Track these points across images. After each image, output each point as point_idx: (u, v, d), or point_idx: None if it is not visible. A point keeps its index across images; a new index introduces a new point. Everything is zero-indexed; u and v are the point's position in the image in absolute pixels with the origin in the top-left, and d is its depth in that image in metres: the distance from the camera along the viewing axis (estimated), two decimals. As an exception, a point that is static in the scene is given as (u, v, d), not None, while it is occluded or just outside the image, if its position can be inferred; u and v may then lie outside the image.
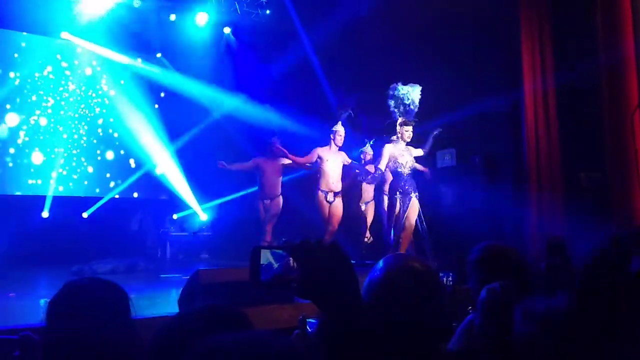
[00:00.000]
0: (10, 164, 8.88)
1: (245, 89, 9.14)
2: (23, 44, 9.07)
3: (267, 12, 9.31)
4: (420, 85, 6.12)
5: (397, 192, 6.12)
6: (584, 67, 5.60)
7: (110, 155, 9.81)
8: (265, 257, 1.11)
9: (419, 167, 6.97)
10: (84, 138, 9.58)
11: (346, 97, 6.89)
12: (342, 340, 1.02)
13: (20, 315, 4.32)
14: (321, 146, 6.83)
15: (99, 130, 9.73)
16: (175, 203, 9.69)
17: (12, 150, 8.87)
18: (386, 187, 6.87)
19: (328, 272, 1.06)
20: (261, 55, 9.20)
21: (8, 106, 8.84)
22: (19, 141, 8.94)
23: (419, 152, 6.37)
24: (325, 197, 6.75)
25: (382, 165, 6.18)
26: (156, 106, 9.82)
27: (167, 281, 6.63)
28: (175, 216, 9.74)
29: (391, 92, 6.13)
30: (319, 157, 6.76)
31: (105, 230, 9.04)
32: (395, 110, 6.12)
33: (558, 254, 3.53)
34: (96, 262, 7.01)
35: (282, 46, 8.80)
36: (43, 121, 9.15)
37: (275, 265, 1.20)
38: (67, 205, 9.07)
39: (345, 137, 6.73)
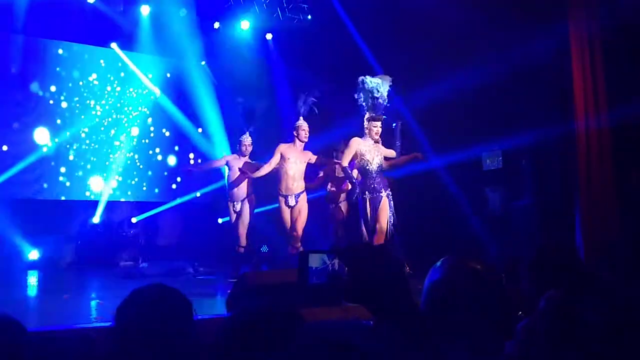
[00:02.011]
0: (68, 184, 9.07)
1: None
2: (60, 51, 9.10)
3: (309, 17, 9.36)
4: (390, 77, 5.81)
5: (366, 192, 5.78)
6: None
7: (164, 155, 9.94)
8: (320, 260, 1.12)
9: (387, 161, 6.33)
10: (135, 140, 9.70)
11: (309, 89, 6.55)
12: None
13: (75, 316, 4.47)
14: (286, 142, 6.48)
15: (151, 129, 9.86)
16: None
17: (63, 169, 9.03)
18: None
19: (377, 275, 1.06)
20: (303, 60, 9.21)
21: (59, 121, 9.01)
22: (71, 157, 9.10)
23: (391, 152, 5.98)
24: (286, 202, 6.36)
25: (345, 160, 5.80)
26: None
27: (210, 283, 6.71)
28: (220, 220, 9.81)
29: (360, 85, 5.77)
30: (282, 156, 6.34)
31: (153, 233, 9.25)
32: (364, 104, 5.78)
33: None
34: (145, 265, 7.18)
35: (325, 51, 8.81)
36: (94, 129, 9.33)
37: (330, 269, 1.20)
38: (121, 208, 9.32)
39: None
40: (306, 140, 6.37)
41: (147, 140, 9.83)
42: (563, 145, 5.88)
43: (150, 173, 9.82)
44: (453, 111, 6.92)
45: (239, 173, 6.74)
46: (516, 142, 6.28)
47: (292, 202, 6.32)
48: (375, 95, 5.70)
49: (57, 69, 9.09)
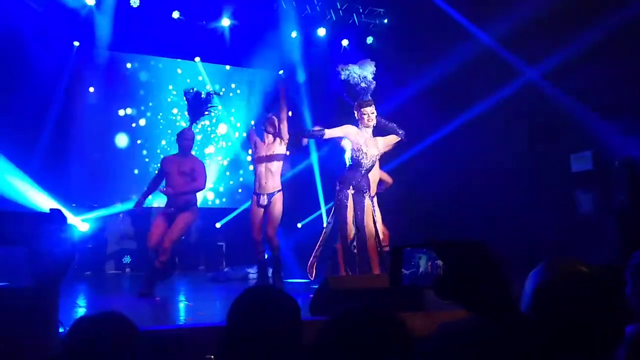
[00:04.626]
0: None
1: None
2: (129, 65, 9.21)
3: (385, 21, 9.34)
4: (373, 62, 5.40)
5: (350, 187, 5.27)
6: None
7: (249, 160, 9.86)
8: (421, 259, 1.10)
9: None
10: (222, 142, 9.86)
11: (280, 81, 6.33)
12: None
13: (166, 316, 4.68)
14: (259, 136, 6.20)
15: (237, 125, 9.92)
16: None
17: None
18: None
19: (476, 272, 1.03)
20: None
21: (142, 142, 9.31)
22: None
23: (392, 139, 5.47)
24: (258, 201, 6.06)
25: (328, 132, 5.28)
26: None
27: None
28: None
29: (338, 77, 5.39)
30: (255, 148, 6.14)
31: (235, 237, 9.47)
32: (347, 95, 5.41)
33: None
34: (230, 269, 7.39)
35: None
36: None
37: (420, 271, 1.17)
38: (206, 215, 9.60)
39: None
40: (274, 132, 6.10)
41: (230, 143, 9.95)
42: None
43: (241, 172, 9.88)
44: (539, 110, 6.68)
45: (175, 175, 5.86)
46: (608, 141, 5.96)
47: (263, 201, 6.06)
48: (352, 82, 5.32)
49: (141, 92, 9.27)
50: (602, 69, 5.91)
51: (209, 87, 7.11)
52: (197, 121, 6.22)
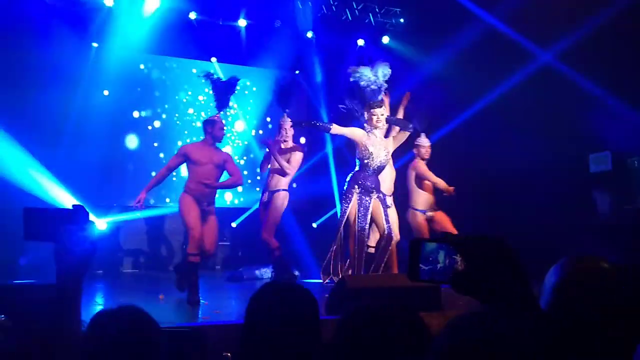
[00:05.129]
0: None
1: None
2: (142, 66, 9.12)
3: (402, 20, 9.31)
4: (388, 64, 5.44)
5: (356, 186, 5.34)
6: None
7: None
8: (439, 254, 1.08)
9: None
10: (238, 141, 9.85)
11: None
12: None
13: (182, 315, 4.71)
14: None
15: (252, 131, 9.90)
16: None
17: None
18: None
19: (496, 267, 1.03)
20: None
21: (158, 144, 9.34)
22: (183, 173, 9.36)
23: (402, 137, 5.63)
24: (262, 199, 6.22)
25: (336, 128, 5.39)
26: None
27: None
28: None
29: (350, 79, 5.48)
30: (269, 146, 6.12)
31: (252, 237, 9.50)
32: (358, 96, 5.48)
33: None
34: (245, 268, 7.41)
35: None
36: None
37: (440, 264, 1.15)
38: (223, 214, 9.60)
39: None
40: (288, 139, 6.17)
41: (246, 142, 9.92)
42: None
43: (258, 170, 9.85)
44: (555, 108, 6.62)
45: (204, 164, 5.43)
46: (628, 141, 5.89)
47: (265, 198, 6.18)
48: (362, 84, 5.36)
49: (156, 93, 9.25)
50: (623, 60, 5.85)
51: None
52: (224, 108, 5.91)
